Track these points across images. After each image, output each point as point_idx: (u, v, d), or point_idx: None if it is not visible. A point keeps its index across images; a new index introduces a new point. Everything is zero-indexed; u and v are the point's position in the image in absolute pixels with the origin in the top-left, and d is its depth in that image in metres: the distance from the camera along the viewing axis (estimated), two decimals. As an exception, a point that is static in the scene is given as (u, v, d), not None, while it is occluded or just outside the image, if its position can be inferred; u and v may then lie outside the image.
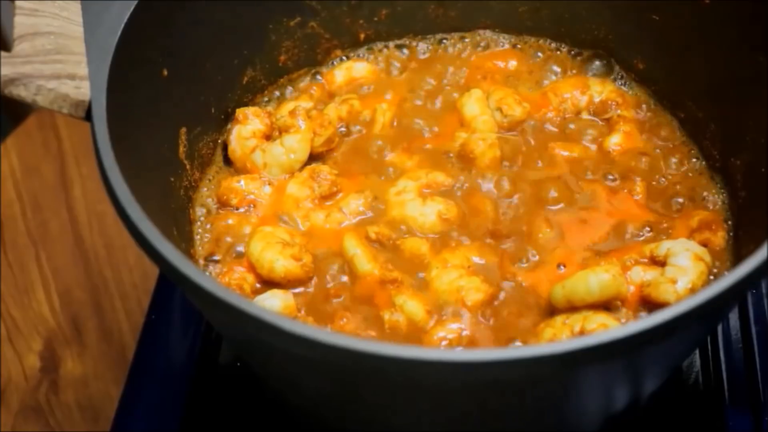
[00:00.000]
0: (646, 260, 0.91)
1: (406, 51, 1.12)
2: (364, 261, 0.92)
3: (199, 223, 0.98)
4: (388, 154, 1.03)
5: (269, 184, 1.00)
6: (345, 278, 0.93)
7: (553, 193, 0.98)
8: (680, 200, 0.98)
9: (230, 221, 0.98)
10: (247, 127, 1.01)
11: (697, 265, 0.88)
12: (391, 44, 1.13)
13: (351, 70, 1.10)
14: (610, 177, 0.99)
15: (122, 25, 0.85)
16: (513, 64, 1.10)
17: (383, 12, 1.11)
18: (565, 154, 1.01)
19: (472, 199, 0.98)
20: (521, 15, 1.11)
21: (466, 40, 1.13)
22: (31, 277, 1.27)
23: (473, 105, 1.04)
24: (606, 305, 0.87)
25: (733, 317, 1.00)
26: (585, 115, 1.05)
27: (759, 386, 0.96)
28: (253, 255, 0.92)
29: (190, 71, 0.97)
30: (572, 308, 0.86)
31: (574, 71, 1.09)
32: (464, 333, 0.88)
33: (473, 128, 1.02)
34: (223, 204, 0.99)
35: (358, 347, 0.68)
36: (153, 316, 1.04)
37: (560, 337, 0.85)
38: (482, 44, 1.12)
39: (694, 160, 1.01)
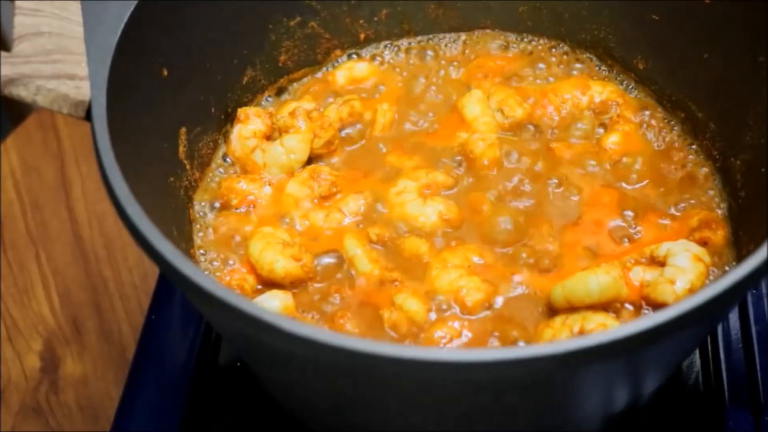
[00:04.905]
0: (645, 260, 0.91)
1: (406, 51, 1.12)
2: (365, 261, 0.92)
3: (199, 223, 0.98)
4: (388, 154, 1.03)
5: (269, 184, 1.00)
6: (344, 278, 0.93)
7: (553, 193, 0.98)
8: (680, 200, 0.98)
9: (230, 221, 0.98)
10: (248, 127, 1.01)
11: (696, 265, 0.87)
12: (392, 44, 1.13)
13: (352, 70, 1.10)
14: (610, 177, 0.99)
15: (122, 25, 0.85)
16: (513, 63, 1.10)
17: (383, 12, 1.11)
18: (566, 153, 1.01)
19: (473, 199, 0.98)
20: (521, 15, 1.11)
21: (466, 40, 1.13)
22: (31, 277, 1.27)
23: (474, 106, 1.03)
24: (605, 306, 0.87)
25: (733, 317, 1.00)
26: (585, 115, 1.05)
27: (759, 386, 0.96)
28: (253, 255, 0.92)
29: (190, 71, 0.97)
30: (571, 308, 0.86)
31: (575, 71, 1.09)
32: (464, 332, 0.88)
33: (474, 129, 1.02)
34: (223, 204, 0.99)
35: (357, 347, 0.68)
36: (153, 316, 1.04)
37: (560, 337, 0.85)
38: (482, 44, 1.12)
39: (694, 159, 1.01)
